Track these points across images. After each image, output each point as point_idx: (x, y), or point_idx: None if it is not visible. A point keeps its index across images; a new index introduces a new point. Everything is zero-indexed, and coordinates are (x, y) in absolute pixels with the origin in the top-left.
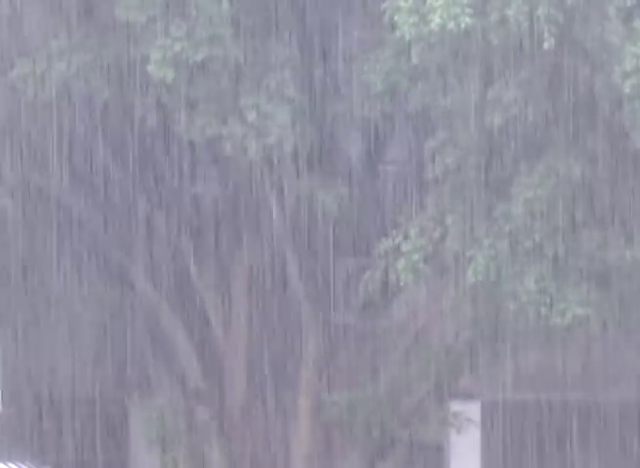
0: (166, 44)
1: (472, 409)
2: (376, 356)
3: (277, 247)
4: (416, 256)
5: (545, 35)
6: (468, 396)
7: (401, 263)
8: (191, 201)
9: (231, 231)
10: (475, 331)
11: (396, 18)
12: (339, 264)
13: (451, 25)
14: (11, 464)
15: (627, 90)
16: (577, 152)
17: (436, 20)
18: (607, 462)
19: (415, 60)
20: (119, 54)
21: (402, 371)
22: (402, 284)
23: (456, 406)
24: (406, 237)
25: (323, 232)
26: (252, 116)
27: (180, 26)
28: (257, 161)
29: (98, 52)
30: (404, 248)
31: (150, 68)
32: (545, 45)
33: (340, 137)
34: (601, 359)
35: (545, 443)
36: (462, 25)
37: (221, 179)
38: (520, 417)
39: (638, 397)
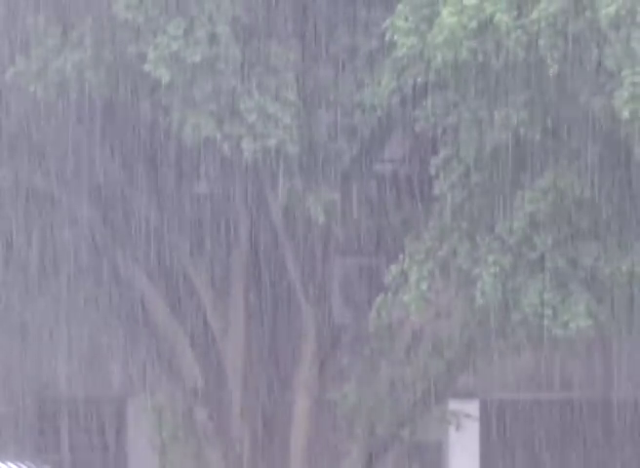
0: (163, 42)
1: (471, 408)
2: (374, 355)
3: (276, 246)
4: (424, 286)
5: (549, 61)
6: (467, 394)
7: (410, 295)
8: (190, 199)
9: (230, 230)
10: (475, 331)
11: (396, 37)
12: (338, 264)
13: (449, 58)
14: (11, 464)
15: (626, 114)
16: (577, 168)
17: (438, 58)
18: (605, 462)
19: (420, 79)
20: (117, 52)
21: (401, 370)
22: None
23: (454, 404)
24: (411, 258)
25: (322, 232)
26: (252, 117)
27: (179, 25)
28: (255, 162)
29: (95, 50)
30: (412, 277)
31: (147, 67)
32: (550, 71)
33: (336, 145)
34: (600, 358)
35: (543, 441)
36: (460, 60)
37: (220, 179)
38: (518, 416)
39: (638, 397)
